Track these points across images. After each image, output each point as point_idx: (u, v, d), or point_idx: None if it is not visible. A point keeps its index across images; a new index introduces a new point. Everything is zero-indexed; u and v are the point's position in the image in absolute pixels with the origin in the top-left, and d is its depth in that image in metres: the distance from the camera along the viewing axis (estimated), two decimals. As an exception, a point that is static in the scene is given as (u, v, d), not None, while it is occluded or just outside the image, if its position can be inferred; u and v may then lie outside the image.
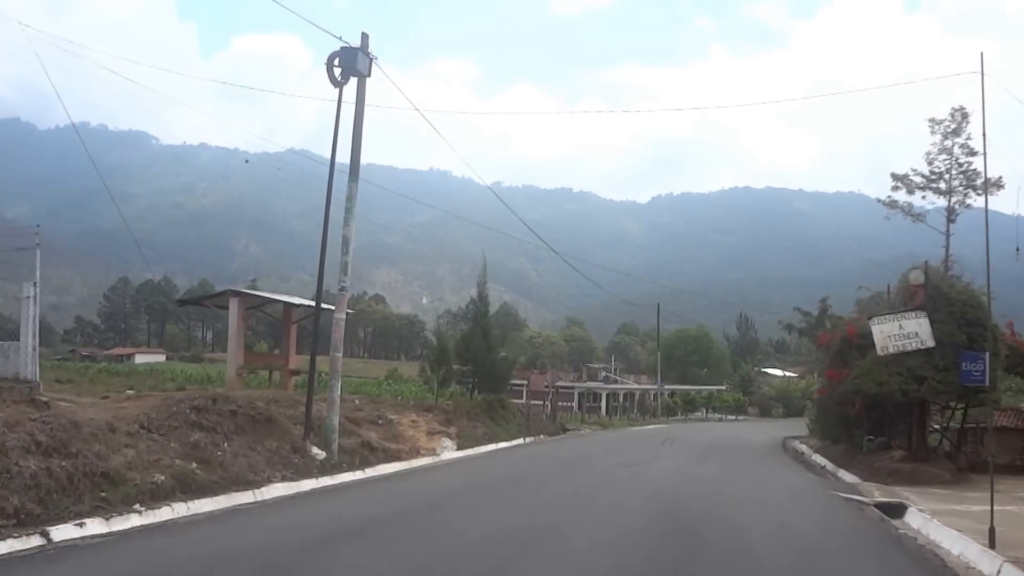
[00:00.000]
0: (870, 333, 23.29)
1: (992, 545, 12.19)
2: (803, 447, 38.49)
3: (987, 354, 13.37)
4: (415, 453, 24.10)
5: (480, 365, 34.31)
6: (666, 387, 76.94)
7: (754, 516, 14.72)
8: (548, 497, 16.19)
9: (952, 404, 23.87)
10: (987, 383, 13.48)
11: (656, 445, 33.18)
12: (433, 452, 25.12)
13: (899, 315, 22.11)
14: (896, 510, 16.71)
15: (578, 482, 19.12)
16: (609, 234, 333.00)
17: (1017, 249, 13.53)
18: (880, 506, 16.87)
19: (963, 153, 23.30)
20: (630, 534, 12.41)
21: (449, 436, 27.75)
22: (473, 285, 39.02)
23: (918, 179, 24.17)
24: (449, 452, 25.96)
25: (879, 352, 22.02)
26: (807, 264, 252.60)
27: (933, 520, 14.93)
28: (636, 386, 79.99)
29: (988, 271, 12.39)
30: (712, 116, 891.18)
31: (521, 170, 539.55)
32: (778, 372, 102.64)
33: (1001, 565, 10.81)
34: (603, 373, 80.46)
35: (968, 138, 23.18)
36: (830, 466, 27.42)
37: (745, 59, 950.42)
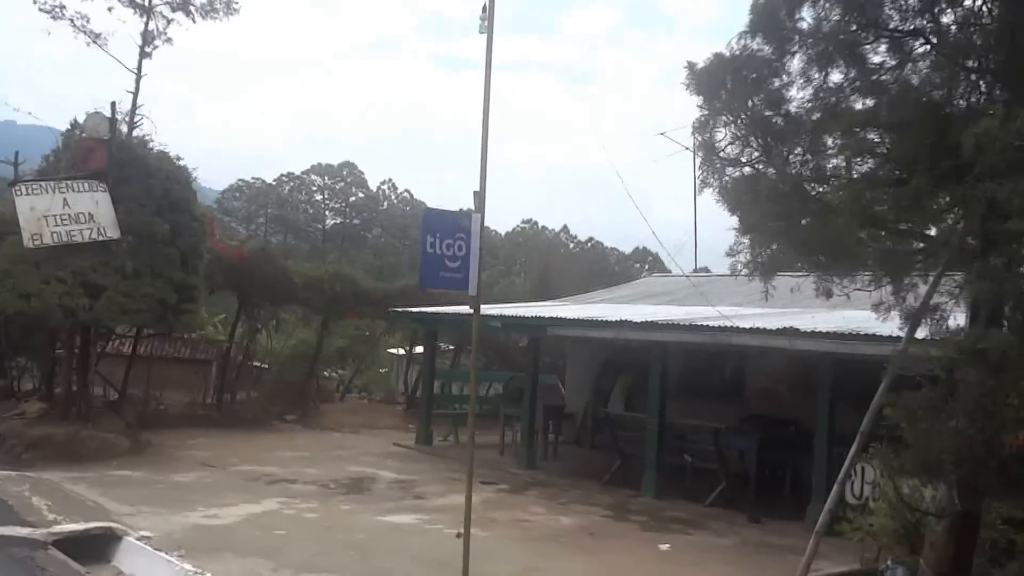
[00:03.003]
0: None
1: None
2: None
3: (476, 227, 6.21)
4: None
5: None
6: None
7: None
8: None
9: (133, 331, 16.04)
10: (473, 290, 6.39)
11: None
12: None
13: (64, 184, 13.33)
14: (100, 545, 8.41)
15: None
16: None
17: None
18: (74, 542, 8.25)
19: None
20: None
21: None
22: None
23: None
24: None
25: (29, 242, 12.93)
26: None
27: (210, 577, 7.25)
28: None
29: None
30: None
31: None
32: None
33: None
34: None
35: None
36: None
37: None
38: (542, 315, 13.26)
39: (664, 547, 9.48)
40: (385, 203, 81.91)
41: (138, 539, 8.44)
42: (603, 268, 71.84)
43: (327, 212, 78.68)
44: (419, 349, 20.87)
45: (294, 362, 18.64)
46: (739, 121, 4.92)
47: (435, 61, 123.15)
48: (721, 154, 5.06)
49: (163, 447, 14.29)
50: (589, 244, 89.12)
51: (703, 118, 5.04)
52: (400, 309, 16.23)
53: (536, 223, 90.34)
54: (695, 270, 25.66)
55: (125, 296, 13.12)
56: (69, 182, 13.34)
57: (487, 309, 16.33)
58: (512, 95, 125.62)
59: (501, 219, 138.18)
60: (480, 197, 6.12)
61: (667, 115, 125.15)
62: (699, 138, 5.09)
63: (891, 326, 10.46)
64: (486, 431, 18.10)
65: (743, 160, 4.99)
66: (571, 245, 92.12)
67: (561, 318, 12.83)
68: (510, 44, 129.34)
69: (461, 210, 6.66)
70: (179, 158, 14.39)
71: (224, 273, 16.20)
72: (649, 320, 11.81)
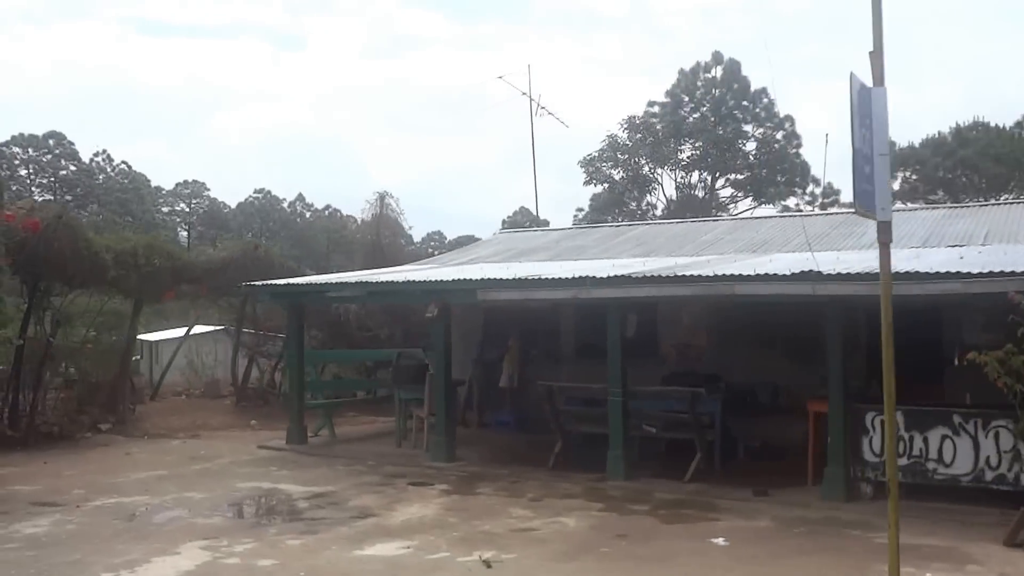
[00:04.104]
0: None
1: None
2: None
3: (880, 110, 4.09)
4: None
5: None
6: None
7: None
8: None
9: None
10: (885, 212, 4.38)
11: None
12: None
13: None
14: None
15: None
16: None
17: None
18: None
19: None
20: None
21: None
22: None
23: None
24: None
25: None
26: None
27: None
28: None
29: None
30: None
31: None
32: None
33: None
34: None
35: None
36: None
37: None
38: (468, 277, 11.11)
39: (719, 541, 7.93)
40: (101, 176, 73.59)
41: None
42: (344, 236, 69.08)
43: (34, 188, 69.17)
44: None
45: (100, 358, 15.00)
46: None
47: (135, 26, 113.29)
48: None
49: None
50: (327, 212, 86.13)
51: None
52: (260, 283, 13.30)
53: (270, 192, 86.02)
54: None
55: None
56: None
57: (341, 278, 13.88)
58: (225, 62, 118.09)
59: (231, 189, 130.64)
60: (877, 61, 4.02)
61: (380, 79, 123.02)
62: None
63: (931, 261, 9.61)
64: (352, 420, 15.78)
65: None
66: (307, 214, 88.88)
67: (498, 279, 10.80)
68: (219, 8, 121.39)
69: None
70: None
71: (9, 251, 12.46)
72: (620, 274, 10.09)
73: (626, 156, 35.86)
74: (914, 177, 42.50)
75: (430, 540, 7.98)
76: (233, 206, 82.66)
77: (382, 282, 11.99)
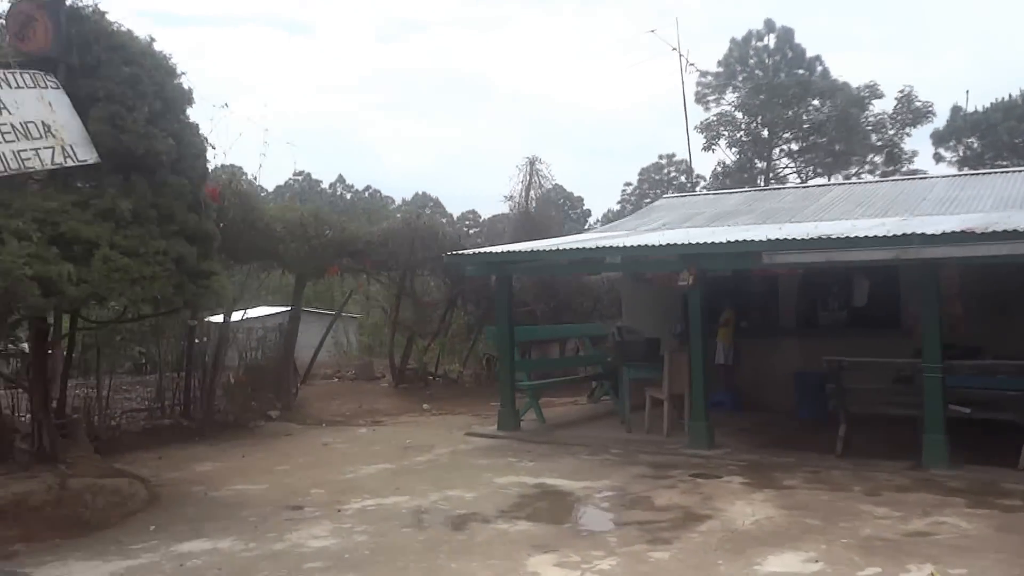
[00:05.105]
0: None
1: None
2: None
3: None
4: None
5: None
6: None
7: None
8: None
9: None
10: None
11: None
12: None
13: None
14: None
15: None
16: None
17: None
18: None
19: None
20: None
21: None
22: None
23: None
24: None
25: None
26: None
27: None
28: None
29: None
30: None
31: None
32: None
33: None
34: None
35: None
36: None
37: None
38: (752, 238, 9.56)
39: None
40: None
41: None
42: (383, 216, 68.09)
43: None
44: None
45: (262, 341, 13.59)
46: None
47: (152, 19, 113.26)
48: None
49: (178, 488, 9.30)
50: (367, 193, 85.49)
51: None
52: (470, 252, 11.80)
53: (310, 175, 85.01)
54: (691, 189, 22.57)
55: (129, 255, 7.99)
56: (5, 72, 7.92)
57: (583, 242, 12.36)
58: (231, 50, 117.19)
59: (268, 175, 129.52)
60: None
61: (391, 63, 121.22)
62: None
63: None
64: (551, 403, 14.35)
65: None
66: (348, 196, 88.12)
67: (791, 239, 9.26)
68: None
69: None
70: (152, 39, 9.09)
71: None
72: (963, 229, 8.53)
73: (752, 119, 33.99)
74: (976, 144, 40.51)
75: (824, 550, 6.52)
76: (271, 190, 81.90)
77: (635, 246, 10.46)
